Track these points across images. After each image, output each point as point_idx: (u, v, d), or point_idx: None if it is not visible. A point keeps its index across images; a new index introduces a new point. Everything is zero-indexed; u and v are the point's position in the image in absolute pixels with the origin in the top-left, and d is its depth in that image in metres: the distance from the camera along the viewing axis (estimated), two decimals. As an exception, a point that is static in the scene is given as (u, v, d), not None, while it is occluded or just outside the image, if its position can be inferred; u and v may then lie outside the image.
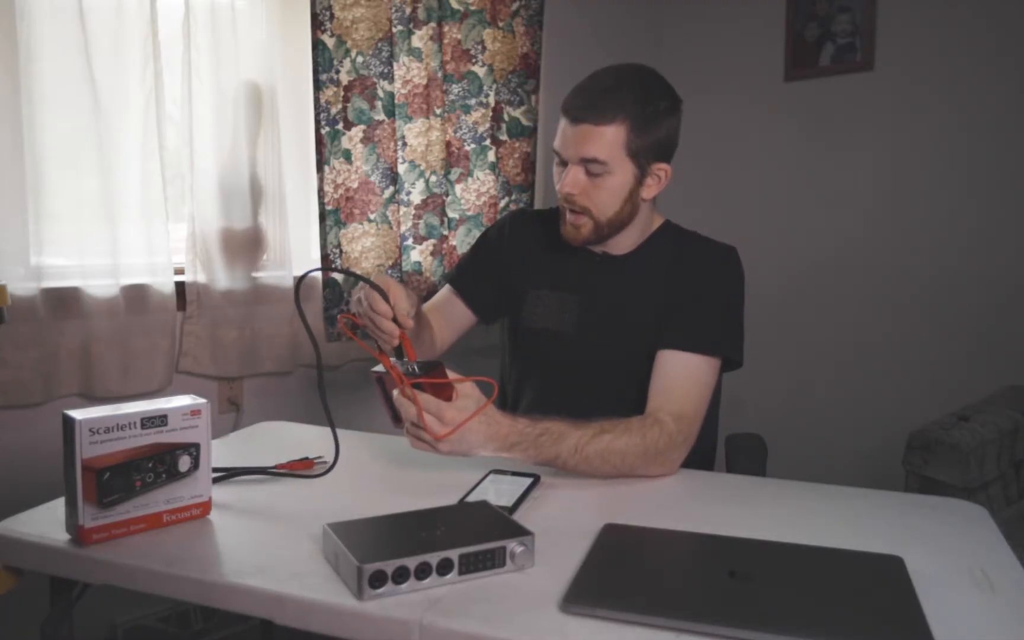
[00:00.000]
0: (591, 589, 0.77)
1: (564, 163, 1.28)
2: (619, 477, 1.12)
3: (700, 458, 1.28)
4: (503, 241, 1.47)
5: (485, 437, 1.05)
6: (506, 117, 2.28)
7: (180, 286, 1.80)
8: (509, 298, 1.44)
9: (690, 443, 1.19)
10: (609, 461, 1.11)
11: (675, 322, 1.27)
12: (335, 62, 1.96)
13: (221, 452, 1.24)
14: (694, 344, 1.24)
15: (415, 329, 1.25)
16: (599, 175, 1.25)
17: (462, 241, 2.22)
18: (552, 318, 1.38)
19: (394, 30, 2.04)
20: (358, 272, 1.27)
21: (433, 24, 2.10)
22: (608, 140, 1.23)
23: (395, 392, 1.04)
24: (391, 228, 2.10)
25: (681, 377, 1.23)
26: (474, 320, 1.48)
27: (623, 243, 1.36)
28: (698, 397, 1.23)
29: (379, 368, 1.10)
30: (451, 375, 1.03)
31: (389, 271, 2.10)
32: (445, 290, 1.49)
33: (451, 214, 2.22)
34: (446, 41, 2.16)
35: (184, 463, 0.94)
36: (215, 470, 1.05)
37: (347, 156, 2.00)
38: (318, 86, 1.94)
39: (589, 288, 1.37)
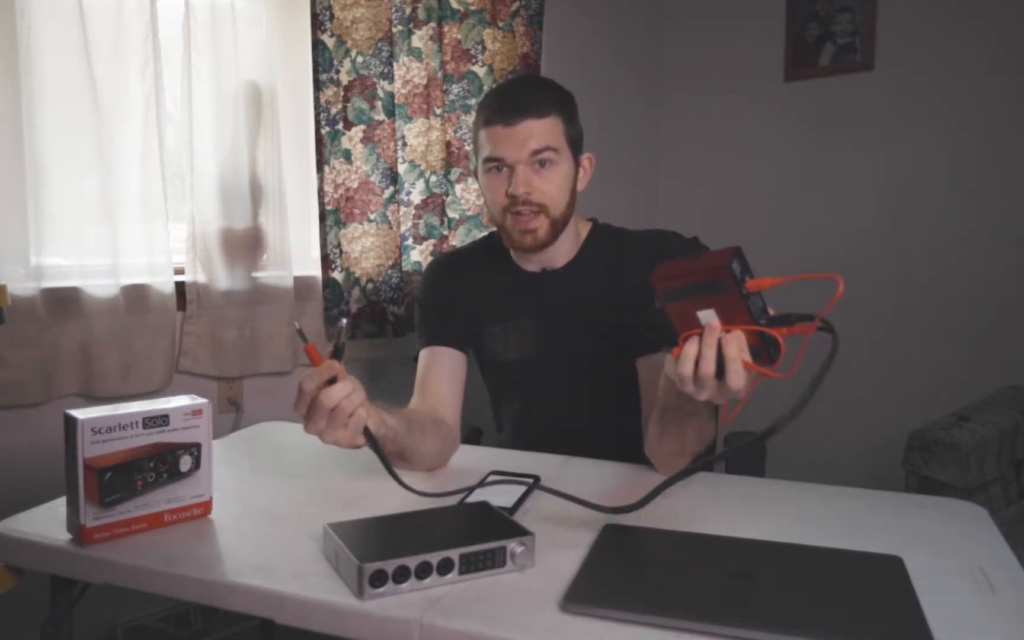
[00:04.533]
0: (591, 589, 0.77)
1: (502, 169, 1.27)
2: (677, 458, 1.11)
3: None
4: (438, 295, 1.41)
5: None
6: (506, 117, 2.28)
7: (180, 286, 1.80)
8: (470, 338, 1.41)
9: None
10: (697, 447, 1.12)
11: (643, 327, 1.26)
12: (335, 62, 1.96)
13: (221, 452, 1.24)
14: (666, 339, 1.24)
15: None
16: (550, 165, 1.26)
17: (462, 241, 2.22)
18: (512, 349, 1.38)
19: (394, 30, 2.04)
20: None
21: (433, 24, 2.10)
22: (552, 129, 1.26)
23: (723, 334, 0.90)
24: (391, 228, 2.10)
25: None
26: (465, 360, 1.39)
27: (561, 253, 1.35)
28: None
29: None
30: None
31: (389, 271, 2.10)
32: (425, 355, 1.36)
33: (451, 214, 2.22)
34: (446, 41, 2.16)
35: (185, 463, 0.94)
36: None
37: (347, 156, 2.00)
38: (318, 86, 1.94)
39: (538, 308, 1.36)
